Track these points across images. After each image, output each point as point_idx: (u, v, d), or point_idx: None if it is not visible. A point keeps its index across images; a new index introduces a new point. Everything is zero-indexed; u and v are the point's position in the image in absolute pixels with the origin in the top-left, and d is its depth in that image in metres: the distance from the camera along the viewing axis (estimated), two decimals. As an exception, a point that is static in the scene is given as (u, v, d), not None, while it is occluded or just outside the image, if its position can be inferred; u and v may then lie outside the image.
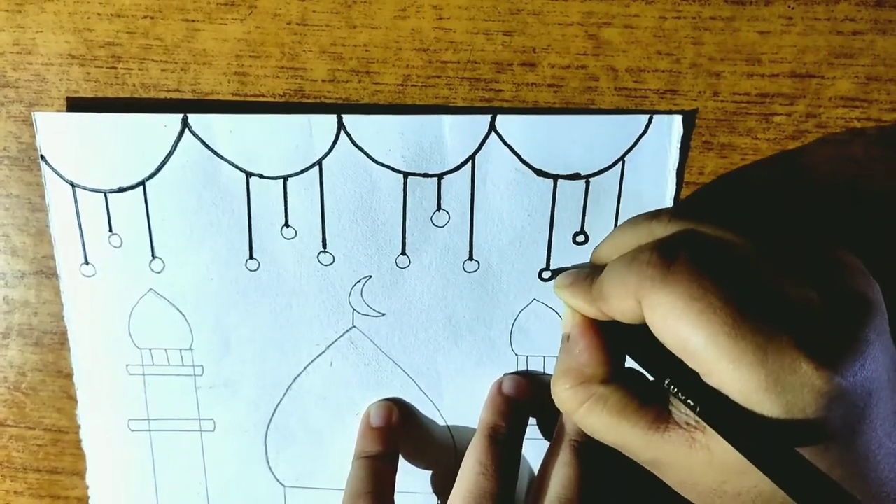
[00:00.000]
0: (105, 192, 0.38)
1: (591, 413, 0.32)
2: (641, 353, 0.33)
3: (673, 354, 0.29)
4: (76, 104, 0.38)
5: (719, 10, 0.37)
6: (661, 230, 0.32)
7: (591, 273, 0.34)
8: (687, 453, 0.29)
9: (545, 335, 0.40)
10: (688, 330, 0.28)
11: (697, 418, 0.29)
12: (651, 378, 0.32)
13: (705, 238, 0.30)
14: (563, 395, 0.33)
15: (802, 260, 0.30)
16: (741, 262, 0.29)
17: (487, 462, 0.37)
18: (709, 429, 0.29)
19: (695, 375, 0.29)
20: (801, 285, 0.28)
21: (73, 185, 0.38)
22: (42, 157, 0.38)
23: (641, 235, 0.33)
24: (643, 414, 0.31)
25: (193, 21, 0.37)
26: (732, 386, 0.27)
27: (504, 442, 0.38)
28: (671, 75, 0.37)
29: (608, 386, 0.32)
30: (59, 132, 0.37)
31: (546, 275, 0.39)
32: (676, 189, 0.38)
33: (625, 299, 0.30)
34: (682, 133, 0.38)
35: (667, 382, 0.30)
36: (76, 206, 0.38)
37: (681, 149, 0.38)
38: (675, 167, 0.38)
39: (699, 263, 0.29)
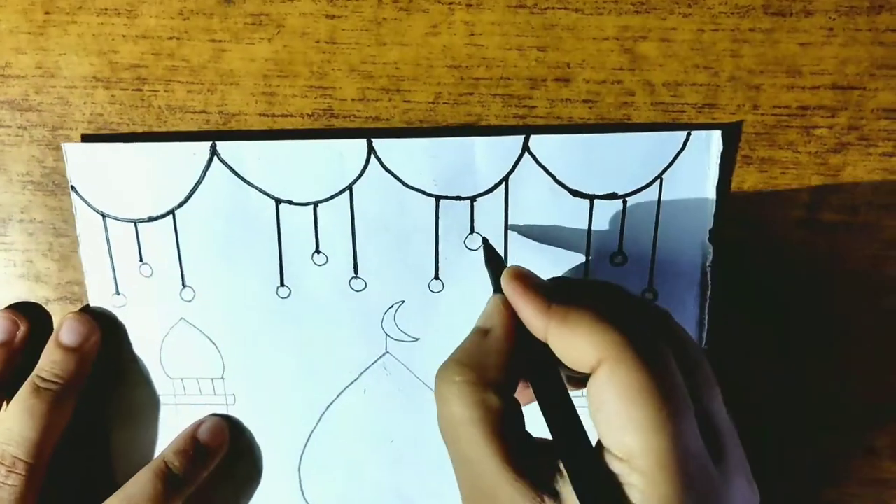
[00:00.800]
0: (135, 222, 0.36)
1: (467, 418, 0.27)
2: (546, 390, 0.28)
3: (574, 415, 0.27)
4: (93, 136, 0.35)
5: (759, 21, 0.34)
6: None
7: (551, 289, 0.30)
8: None
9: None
10: (637, 415, 0.25)
11: (560, 481, 0.27)
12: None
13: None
14: (453, 388, 0.28)
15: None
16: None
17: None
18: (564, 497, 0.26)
19: (590, 453, 0.26)
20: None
21: (103, 216, 0.36)
22: (72, 187, 0.35)
23: (619, 305, 0.30)
24: (509, 450, 0.27)
25: (220, 41, 0.35)
26: (645, 491, 0.25)
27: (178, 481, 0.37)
28: (709, 89, 0.35)
29: (499, 399, 0.28)
30: (88, 162, 0.35)
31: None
32: (717, 206, 0.35)
33: (588, 345, 0.26)
34: (721, 148, 0.35)
35: (560, 449, 0.27)
36: (107, 237, 0.36)
37: (721, 164, 0.35)
38: (716, 184, 0.35)
39: (672, 368, 0.27)
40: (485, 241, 0.35)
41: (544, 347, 0.28)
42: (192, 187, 0.36)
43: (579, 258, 0.37)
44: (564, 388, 0.28)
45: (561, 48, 0.35)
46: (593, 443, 0.27)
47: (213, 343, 0.38)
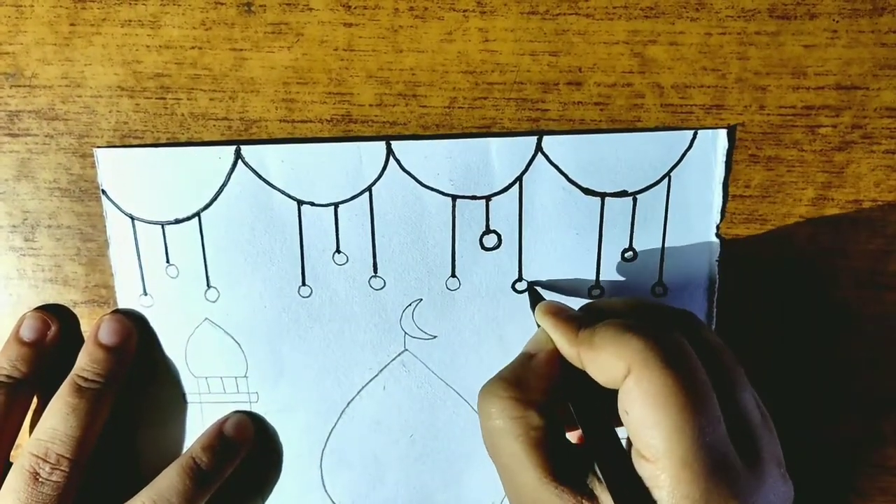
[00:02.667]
0: (162, 224, 0.36)
1: (510, 431, 0.29)
2: (586, 411, 0.30)
3: (611, 430, 0.29)
4: (118, 145, 0.35)
5: (764, 24, 0.34)
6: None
7: (580, 318, 0.31)
8: None
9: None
10: (661, 416, 0.26)
11: (595, 493, 0.28)
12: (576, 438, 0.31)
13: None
14: (497, 402, 0.30)
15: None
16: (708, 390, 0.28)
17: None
18: (602, 501, 0.27)
19: (624, 455, 0.28)
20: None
21: (132, 218, 0.36)
22: (103, 191, 0.35)
23: (643, 315, 0.31)
24: (550, 460, 0.29)
25: (241, 50, 0.35)
26: (672, 490, 0.25)
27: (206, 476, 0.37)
28: (717, 90, 0.35)
29: (541, 417, 0.29)
30: (118, 166, 0.35)
31: (596, 292, 0.37)
32: (722, 203, 0.36)
33: (615, 359, 0.27)
34: (727, 147, 0.35)
35: (597, 456, 0.28)
36: (135, 239, 0.36)
37: (726, 162, 0.35)
38: (721, 181, 0.35)
39: (696, 367, 0.27)
40: (530, 286, 0.37)
41: (582, 373, 0.30)
42: (217, 190, 0.36)
43: (591, 254, 0.37)
44: (601, 407, 0.29)
45: (572, 53, 0.35)
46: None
47: (237, 342, 0.38)
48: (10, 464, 0.36)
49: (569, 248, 0.37)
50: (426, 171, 0.36)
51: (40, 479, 0.35)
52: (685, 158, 0.36)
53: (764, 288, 0.38)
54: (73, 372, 0.37)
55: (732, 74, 0.35)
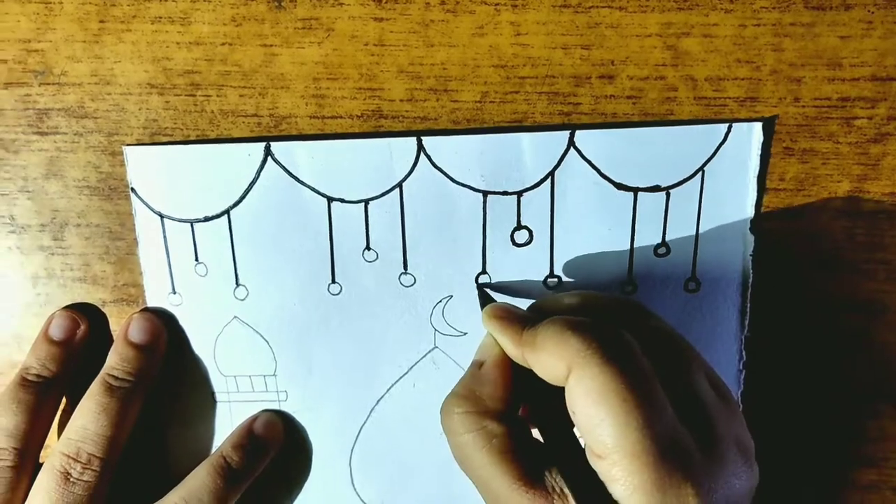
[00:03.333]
0: (191, 222, 0.35)
1: (473, 444, 0.29)
2: (541, 411, 0.30)
3: (568, 425, 0.28)
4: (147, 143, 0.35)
5: (799, 16, 0.34)
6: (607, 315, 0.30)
7: (525, 318, 0.31)
8: None
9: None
10: (605, 413, 0.26)
11: (567, 491, 0.27)
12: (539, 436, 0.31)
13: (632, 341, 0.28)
14: (455, 419, 0.30)
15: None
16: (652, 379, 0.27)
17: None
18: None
19: (580, 452, 0.28)
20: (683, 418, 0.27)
21: (161, 216, 0.35)
22: (132, 189, 0.35)
23: (590, 309, 0.31)
24: (518, 465, 0.28)
25: (271, 46, 0.34)
26: (626, 482, 0.25)
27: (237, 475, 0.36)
28: (751, 83, 0.34)
29: (500, 425, 0.29)
30: (147, 164, 0.35)
31: (628, 288, 0.36)
32: (758, 197, 0.35)
33: (556, 359, 0.28)
34: (762, 140, 0.34)
35: (557, 454, 0.29)
36: (164, 237, 0.36)
37: (761, 156, 0.34)
38: (756, 175, 0.35)
39: (636, 358, 0.27)
40: (479, 286, 0.36)
41: (533, 373, 0.30)
42: (246, 187, 0.36)
43: (623, 250, 0.36)
44: (555, 406, 0.29)
45: (605, 46, 0.35)
46: None
47: (266, 340, 0.38)
48: (41, 464, 0.36)
49: (601, 244, 0.36)
50: (457, 166, 0.35)
51: (71, 479, 0.34)
52: (719, 152, 0.35)
53: (798, 282, 0.37)
54: (103, 371, 0.36)
55: (767, 66, 0.35)
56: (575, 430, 0.29)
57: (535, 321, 0.30)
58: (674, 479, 0.25)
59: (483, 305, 0.34)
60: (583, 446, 0.28)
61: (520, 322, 0.31)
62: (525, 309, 0.33)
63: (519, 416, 0.31)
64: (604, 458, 0.26)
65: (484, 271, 0.37)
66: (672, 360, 0.29)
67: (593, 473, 0.27)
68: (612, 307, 0.31)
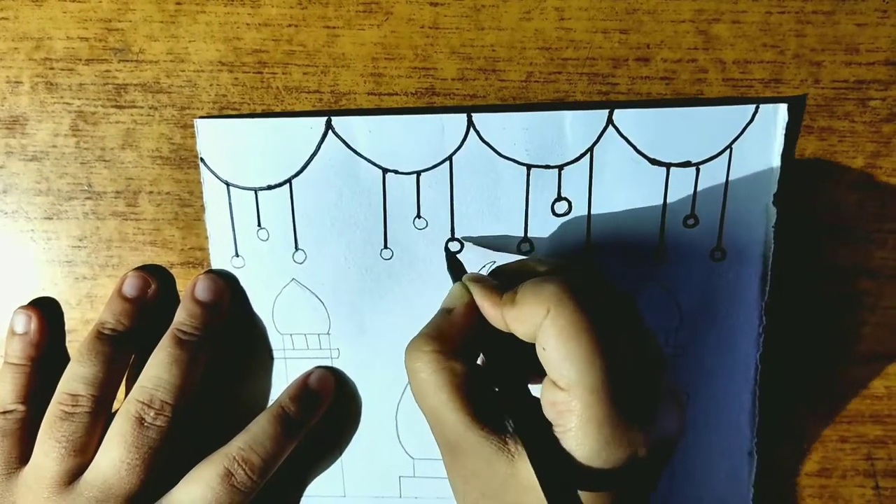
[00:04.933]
0: (256, 190, 0.38)
1: (434, 381, 0.31)
2: (502, 361, 0.32)
3: (523, 377, 0.31)
4: (216, 116, 0.37)
5: (820, 4, 0.36)
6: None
7: (498, 284, 0.33)
8: (495, 459, 0.30)
9: (661, 315, 0.39)
10: (574, 348, 0.28)
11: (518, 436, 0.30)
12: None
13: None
14: (423, 357, 0.31)
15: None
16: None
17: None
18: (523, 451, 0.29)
19: (536, 407, 0.30)
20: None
21: (227, 185, 0.38)
22: (201, 159, 0.37)
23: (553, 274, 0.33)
24: (474, 405, 0.31)
25: (334, 27, 0.37)
26: (581, 413, 0.28)
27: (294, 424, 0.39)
28: (775, 66, 0.37)
29: (464, 366, 0.31)
30: (216, 136, 0.37)
31: (659, 256, 0.39)
32: (781, 173, 0.37)
33: (535, 306, 0.29)
34: (787, 120, 0.37)
35: (512, 402, 0.31)
36: (230, 204, 0.38)
37: (787, 135, 0.37)
38: (780, 153, 0.37)
39: (609, 303, 0.30)
40: (447, 249, 0.39)
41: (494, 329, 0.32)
42: (307, 158, 0.38)
43: (655, 221, 0.39)
44: (514, 355, 0.32)
45: (641, 30, 0.37)
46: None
47: (321, 301, 0.40)
48: (112, 415, 0.38)
49: (635, 215, 0.39)
50: (504, 141, 0.38)
51: (145, 424, 0.37)
52: (747, 131, 0.38)
53: (816, 251, 0.39)
54: (172, 326, 0.39)
55: (790, 51, 0.37)
56: (538, 393, 0.31)
57: (507, 286, 0.32)
58: (622, 418, 0.28)
59: (450, 268, 0.37)
60: (536, 400, 0.30)
61: (496, 286, 0.32)
62: (490, 272, 0.36)
63: (479, 364, 0.33)
64: (566, 390, 0.28)
65: (525, 239, 0.39)
66: (632, 319, 0.31)
67: (545, 422, 0.29)
68: (571, 270, 0.34)
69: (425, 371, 0.31)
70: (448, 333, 0.32)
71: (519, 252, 0.39)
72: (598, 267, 0.39)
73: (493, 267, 0.39)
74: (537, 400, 0.30)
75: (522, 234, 0.39)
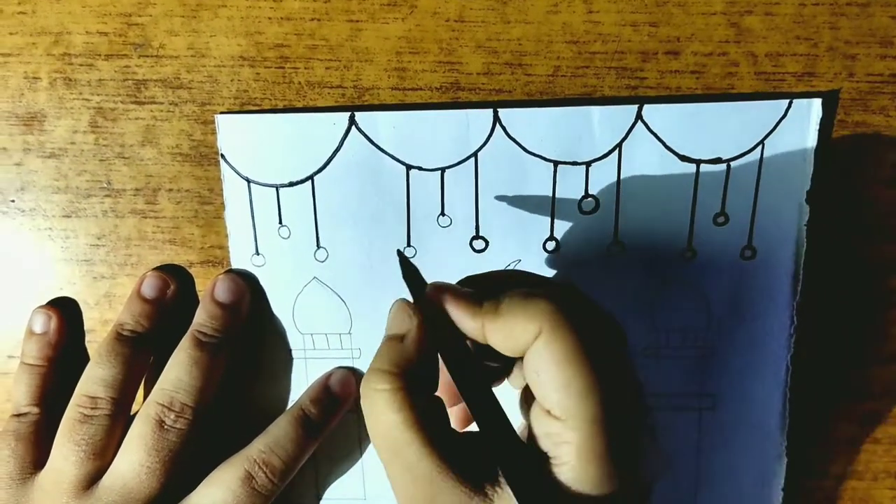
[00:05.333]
0: (277, 187, 0.37)
1: (402, 424, 0.27)
2: (467, 382, 0.29)
3: (491, 397, 0.28)
4: (238, 112, 0.37)
5: (856, -4, 0.35)
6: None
7: (474, 291, 0.30)
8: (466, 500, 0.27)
9: (689, 315, 0.38)
10: (572, 376, 0.26)
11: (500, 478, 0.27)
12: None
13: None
14: (381, 397, 0.28)
15: None
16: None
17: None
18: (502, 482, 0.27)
19: (522, 445, 0.28)
20: None
21: (248, 181, 0.37)
22: (222, 155, 0.36)
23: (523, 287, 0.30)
24: (444, 446, 0.28)
25: (357, 21, 0.36)
26: (581, 445, 0.26)
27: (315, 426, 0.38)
28: (809, 59, 0.36)
29: (431, 403, 0.29)
30: (237, 132, 0.36)
31: (688, 255, 0.38)
32: (815, 169, 0.36)
33: (525, 321, 0.27)
34: (821, 115, 0.36)
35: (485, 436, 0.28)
36: (250, 201, 0.37)
37: (821, 130, 0.36)
38: (814, 148, 0.36)
39: (605, 328, 0.29)
40: (400, 254, 0.33)
41: (461, 344, 0.29)
42: (330, 154, 0.37)
43: (684, 218, 0.38)
44: (485, 378, 0.29)
45: (671, 23, 0.36)
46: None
47: (343, 300, 0.39)
48: (132, 417, 0.37)
49: (663, 212, 0.38)
50: (530, 137, 0.37)
51: (165, 426, 0.36)
52: (779, 126, 0.37)
53: (849, 251, 0.38)
54: (192, 327, 0.38)
55: (824, 43, 0.36)
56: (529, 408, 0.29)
57: (491, 293, 0.29)
58: (620, 450, 0.26)
59: (405, 275, 0.32)
60: (509, 417, 0.28)
61: (472, 295, 0.29)
62: (456, 282, 0.32)
63: (438, 396, 0.30)
64: (562, 420, 0.26)
65: (551, 237, 0.38)
66: (621, 347, 0.30)
67: (536, 457, 0.27)
68: (551, 286, 0.32)
69: (386, 411, 0.28)
70: (403, 366, 0.28)
71: (544, 251, 0.38)
72: (620, 268, 0.38)
73: (517, 265, 0.38)
74: (516, 434, 0.28)
75: (549, 233, 0.38)
